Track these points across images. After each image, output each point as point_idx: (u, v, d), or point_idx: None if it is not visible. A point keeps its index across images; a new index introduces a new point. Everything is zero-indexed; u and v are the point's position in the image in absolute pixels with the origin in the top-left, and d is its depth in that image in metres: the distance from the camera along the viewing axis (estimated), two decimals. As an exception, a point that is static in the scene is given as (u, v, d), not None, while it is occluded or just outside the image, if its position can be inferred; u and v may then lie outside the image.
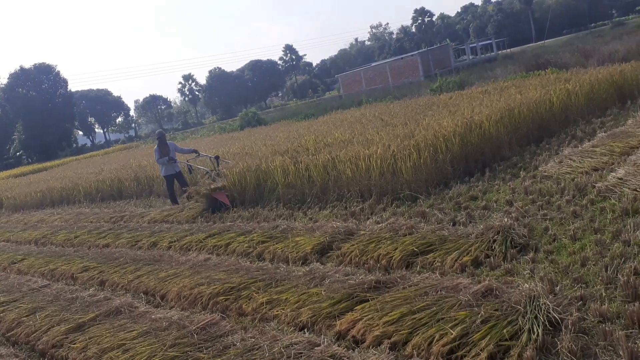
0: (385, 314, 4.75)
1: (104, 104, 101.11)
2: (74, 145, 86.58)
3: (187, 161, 13.34)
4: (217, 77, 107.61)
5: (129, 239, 10.50)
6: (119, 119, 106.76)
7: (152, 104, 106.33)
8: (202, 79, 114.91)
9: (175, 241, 9.39)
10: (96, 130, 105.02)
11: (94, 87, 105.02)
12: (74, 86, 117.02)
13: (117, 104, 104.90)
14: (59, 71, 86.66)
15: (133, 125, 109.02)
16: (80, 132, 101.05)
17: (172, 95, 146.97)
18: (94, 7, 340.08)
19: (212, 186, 11.35)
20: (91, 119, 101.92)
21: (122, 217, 13.08)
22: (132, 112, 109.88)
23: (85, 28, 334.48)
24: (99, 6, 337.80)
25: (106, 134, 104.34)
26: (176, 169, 12.98)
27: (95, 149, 76.47)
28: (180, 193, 13.04)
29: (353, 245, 6.81)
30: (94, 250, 10.47)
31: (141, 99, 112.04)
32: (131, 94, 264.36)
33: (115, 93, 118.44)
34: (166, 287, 7.06)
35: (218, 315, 5.80)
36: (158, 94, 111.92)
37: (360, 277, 5.76)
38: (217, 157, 13.09)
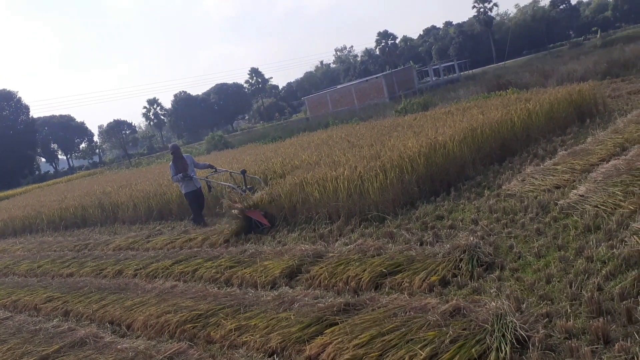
0: (354, 337, 4.73)
1: (67, 130, 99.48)
2: (37, 172, 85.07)
3: (207, 177, 12.08)
4: (183, 100, 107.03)
5: (93, 267, 10.28)
6: (83, 145, 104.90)
7: (117, 129, 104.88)
8: (167, 103, 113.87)
9: (141, 269, 9.23)
10: (59, 156, 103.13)
11: (57, 113, 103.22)
12: (36, 112, 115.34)
13: (81, 130, 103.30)
14: (20, 97, 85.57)
15: (97, 151, 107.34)
16: (43, 159, 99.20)
17: (137, 120, 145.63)
18: (56, 32, 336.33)
19: (246, 203, 9.86)
20: (54, 146, 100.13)
21: (86, 245, 12.83)
22: (96, 138, 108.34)
23: (47, 54, 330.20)
24: (61, 32, 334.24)
25: (69, 160, 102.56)
26: (197, 184, 11.64)
27: (58, 176, 75.03)
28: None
29: (322, 267, 6.79)
30: (58, 279, 10.23)
31: (105, 124, 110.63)
32: (95, 120, 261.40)
33: (79, 119, 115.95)
34: (132, 316, 6.92)
35: (185, 343, 5.71)
36: (122, 118, 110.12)
37: (329, 300, 5.74)
38: (243, 172, 11.33)
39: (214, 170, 12.10)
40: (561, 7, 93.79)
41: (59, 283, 9.77)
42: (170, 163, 11.71)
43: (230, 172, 12.26)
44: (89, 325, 7.23)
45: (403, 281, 5.86)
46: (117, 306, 7.45)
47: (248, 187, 10.82)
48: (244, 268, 7.66)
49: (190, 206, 11.91)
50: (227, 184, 11.35)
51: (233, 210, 10.00)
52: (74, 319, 7.74)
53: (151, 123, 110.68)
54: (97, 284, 8.89)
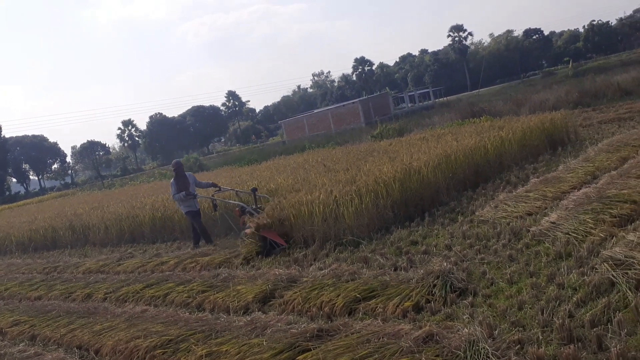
0: (327, 363, 4.68)
1: (39, 151, 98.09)
2: (7, 193, 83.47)
3: (212, 195, 11.63)
4: (158, 122, 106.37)
5: (62, 290, 10.06)
6: (55, 166, 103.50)
7: (90, 150, 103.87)
8: (142, 125, 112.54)
9: (111, 292, 9.07)
10: (31, 177, 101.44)
11: (29, 133, 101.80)
12: (8, 132, 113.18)
13: (53, 150, 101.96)
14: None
15: (69, 172, 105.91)
16: (14, 180, 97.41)
17: (111, 141, 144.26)
18: (30, 52, 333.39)
19: (257, 222, 9.44)
20: (25, 166, 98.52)
21: (55, 267, 12.57)
22: (68, 159, 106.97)
23: (20, 72, 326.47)
24: (35, 51, 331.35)
25: (41, 181, 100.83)
26: (197, 205, 11.22)
27: (29, 197, 73.65)
28: (193, 235, 11.36)
29: (296, 292, 6.74)
30: (25, 303, 9.99)
31: (78, 145, 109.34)
32: (68, 140, 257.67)
33: (52, 139, 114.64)
34: (101, 341, 6.77)
35: (155, 369, 5.58)
36: (96, 139, 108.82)
37: (302, 326, 5.68)
38: (254, 190, 10.98)
39: (218, 188, 11.67)
40: (534, 37, 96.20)
41: (27, 306, 9.54)
42: (172, 180, 11.26)
43: (237, 190, 11.97)
44: (56, 350, 7.07)
45: (377, 307, 5.85)
46: (85, 330, 7.28)
47: (258, 206, 10.61)
48: (217, 292, 7.57)
49: (192, 225, 11.40)
50: (236, 202, 11.06)
51: (246, 230, 9.80)
52: (41, 343, 7.55)
53: (125, 144, 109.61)
54: (65, 308, 8.69)
